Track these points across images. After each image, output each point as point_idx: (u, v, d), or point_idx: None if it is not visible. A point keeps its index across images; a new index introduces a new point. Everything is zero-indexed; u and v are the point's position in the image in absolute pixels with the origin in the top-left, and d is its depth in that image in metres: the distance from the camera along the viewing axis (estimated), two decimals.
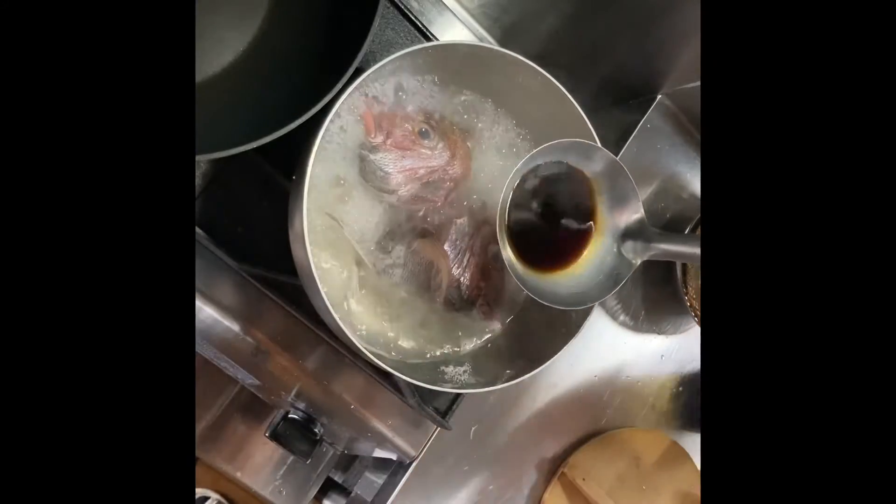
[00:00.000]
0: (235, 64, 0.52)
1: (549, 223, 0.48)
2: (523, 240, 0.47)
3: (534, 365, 0.49)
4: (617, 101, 0.75)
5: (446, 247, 0.53)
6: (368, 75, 0.46)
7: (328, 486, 1.00)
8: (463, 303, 0.54)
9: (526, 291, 0.46)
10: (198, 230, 0.52)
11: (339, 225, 0.50)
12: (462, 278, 0.54)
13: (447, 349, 0.55)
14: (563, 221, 0.48)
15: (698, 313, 0.68)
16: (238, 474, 0.98)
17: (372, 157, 0.50)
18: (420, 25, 0.61)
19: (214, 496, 1.06)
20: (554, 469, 0.67)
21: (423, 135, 0.51)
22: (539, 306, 0.56)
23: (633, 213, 0.46)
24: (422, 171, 0.51)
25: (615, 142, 0.71)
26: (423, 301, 0.53)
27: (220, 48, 0.51)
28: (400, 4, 0.60)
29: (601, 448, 0.69)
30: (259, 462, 0.98)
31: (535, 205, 0.48)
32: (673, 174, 0.74)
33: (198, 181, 0.53)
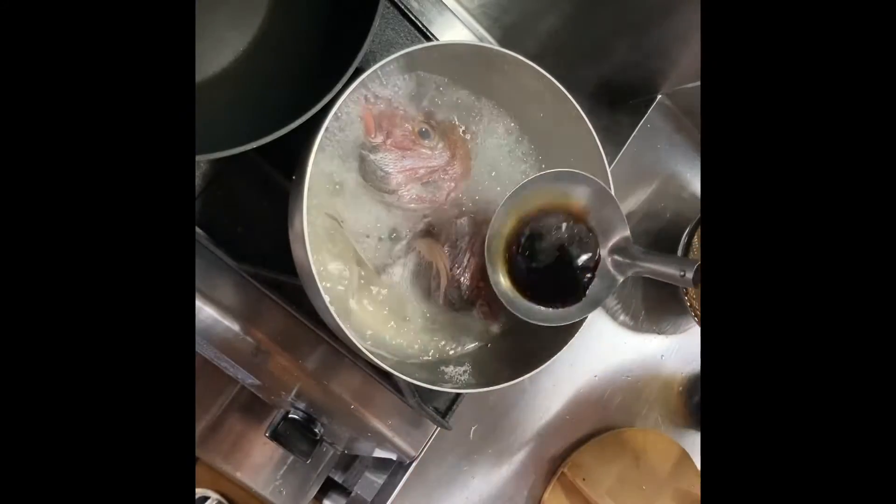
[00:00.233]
0: (235, 64, 0.52)
1: (555, 265, 0.50)
2: (521, 271, 0.49)
3: (534, 365, 0.49)
4: (617, 101, 0.75)
5: (446, 247, 0.53)
6: (368, 75, 0.46)
7: (328, 486, 1.00)
8: (463, 303, 0.54)
9: (518, 314, 0.48)
10: (198, 230, 0.52)
11: (339, 225, 0.50)
12: (462, 278, 0.54)
13: (447, 349, 0.55)
14: (569, 263, 0.50)
15: (698, 313, 0.68)
16: (238, 474, 0.98)
17: (372, 157, 0.50)
18: (420, 25, 0.61)
19: (214, 496, 1.06)
20: (554, 469, 0.67)
21: (423, 135, 0.51)
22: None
23: (620, 233, 0.48)
24: (422, 171, 0.51)
25: (615, 142, 0.71)
26: (423, 301, 0.53)
27: (220, 48, 0.51)
28: (400, 4, 0.60)
29: (601, 448, 0.69)
30: (259, 462, 0.98)
31: (538, 244, 0.50)
32: (673, 174, 0.74)
33: (198, 181, 0.53)
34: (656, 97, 0.72)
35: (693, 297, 0.68)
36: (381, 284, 0.52)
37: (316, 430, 0.64)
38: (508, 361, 0.52)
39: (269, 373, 0.58)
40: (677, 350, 0.74)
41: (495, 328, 0.56)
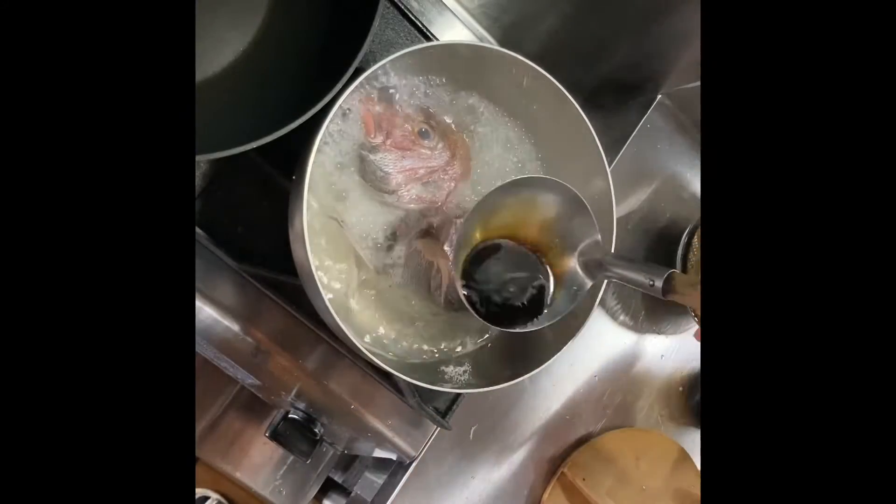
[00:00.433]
0: (235, 64, 0.52)
1: (504, 287, 0.50)
2: (475, 286, 0.49)
3: (534, 365, 0.49)
4: (617, 101, 0.75)
5: (446, 247, 0.53)
6: (368, 75, 0.46)
7: (328, 486, 1.00)
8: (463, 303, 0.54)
9: (492, 327, 0.48)
10: (198, 230, 0.52)
11: (339, 225, 0.50)
12: None
13: (447, 349, 0.55)
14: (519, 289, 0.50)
15: (698, 313, 0.68)
16: (238, 474, 0.98)
17: (372, 157, 0.50)
18: (420, 25, 0.61)
19: (214, 496, 1.06)
20: (554, 469, 0.67)
21: (423, 135, 0.51)
22: None
23: (590, 238, 0.47)
24: (422, 172, 0.51)
25: (615, 142, 0.71)
26: (423, 301, 0.53)
27: (220, 48, 0.51)
28: (400, 4, 0.60)
29: (601, 448, 0.69)
30: (259, 462, 0.98)
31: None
32: (673, 174, 0.74)
33: (198, 181, 0.53)
34: (656, 97, 0.72)
35: None
36: (381, 284, 0.52)
37: (316, 430, 0.64)
38: (508, 361, 0.52)
39: (269, 373, 0.58)
40: (677, 350, 0.74)
41: (495, 329, 0.56)
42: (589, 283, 0.47)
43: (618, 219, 0.53)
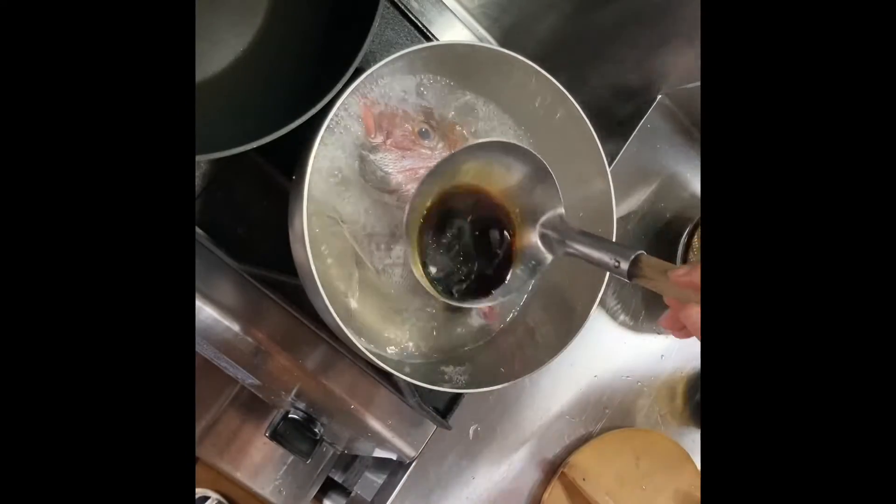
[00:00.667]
0: (235, 64, 0.52)
1: (467, 255, 0.48)
2: (433, 256, 0.47)
3: (534, 365, 0.49)
4: (617, 101, 0.75)
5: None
6: (368, 75, 0.46)
7: (328, 486, 1.00)
8: None
9: (442, 299, 0.45)
10: (198, 230, 0.52)
11: (339, 225, 0.50)
12: None
13: (447, 349, 0.55)
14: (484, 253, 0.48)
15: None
16: (238, 474, 0.98)
17: (372, 157, 0.50)
18: (420, 25, 0.61)
19: (214, 496, 1.06)
20: (554, 469, 0.67)
21: (423, 135, 0.51)
22: (539, 308, 0.56)
23: (553, 210, 0.44)
24: (422, 172, 0.51)
25: (615, 142, 0.71)
26: (423, 301, 0.53)
27: (220, 48, 0.51)
28: (400, 4, 0.60)
29: (601, 448, 0.69)
30: (259, 462, 0.98)
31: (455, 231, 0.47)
32: (673, 174, 0.74)
33: (198, 181, 0.53)
34: (656, 97, 0.72)
35: None
36: (382, 284, 0.52)
37: (316, 430, 0.64)
38: (509, 361, 0.52)
39: (269, 373, 0.58)
40: (677, 350, 0.74)
41: (495, 328, 0.56)
42: (549, 259, 0.45)
43: (618, 219, 0.53)
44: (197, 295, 0.51)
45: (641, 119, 0.72)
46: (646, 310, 0.72)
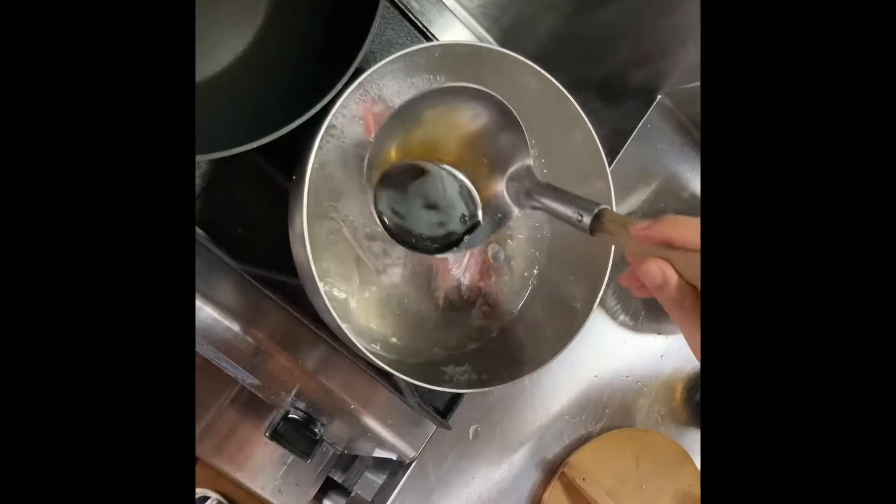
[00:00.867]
0: (235, 64, 0.52)
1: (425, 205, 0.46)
2: (390, 202, 0.45)
3: (533, 365, 0.49)
4: (617, 101, 0.75)
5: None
6: (368, 75, 0.46)
7: (328, 486, 1.00)
8: (463, 303, 0.54)
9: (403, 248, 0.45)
10: (198, 230, 0.52)
11: (339, 225, 0.50)
12: (462, 278, 0.54)
13: (447, 349, 0.55)
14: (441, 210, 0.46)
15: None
16: (238, 474, 0.98)
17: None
18: (420, 25, 0.61)
19: (214, 496, 1.06)
20: (554, 469, 0.67)
21: None
22: (539, 307, 0.56)
23: (521, 161, 0.43)
24: None
25: (615, 142, 0.71)
26: (423, 301, 0.53)
27: (220, 48, 0.51)
28: (400, 4, 0.60)
29: (601, 448, 0.69)
30: (259, 462, 0.99)
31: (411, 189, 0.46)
32: (673, 174, 0.74)
33: (198, 181, 0.53)
34: (656, 97, 0.72)
35: None
36: (381, 284, 0.52)
37: (316, 430, 0.64)
38: (508, 361, 0.52)
39: (269, 373, 0.58)
40: (677, 350, 0.74)
41: (495, 328, 0.56)
42: (515, 212, 0.44)
43: None
44: (197, 295, 0.51)
45: (641, 119, 0.72)
46: (646, 310, 0.72)
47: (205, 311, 0.52)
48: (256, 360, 0.57)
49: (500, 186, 0.44)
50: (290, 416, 0.64)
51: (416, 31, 0.61)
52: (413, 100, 0.41)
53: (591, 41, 0.69)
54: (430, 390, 0.54)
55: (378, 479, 0.69)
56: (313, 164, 0.42)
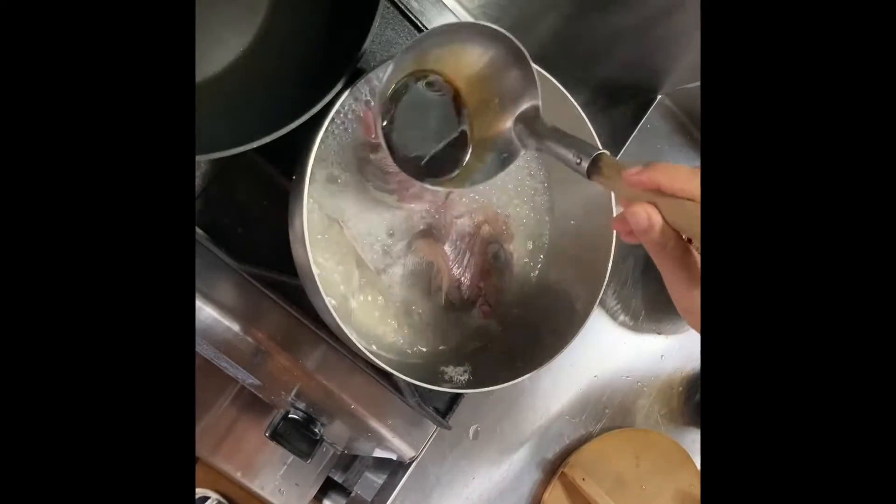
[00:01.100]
0: (235, 64, 0.52)
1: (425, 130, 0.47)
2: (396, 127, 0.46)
3: (533, 365, 0.49)
4: (617, 101, 0.75)
5: (446, 247, 0.53)
6: (369, 76, 0.46)
7: (328, 486, 1.00)
8: (463, 303, 0.54)
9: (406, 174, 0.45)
10: (198, 230, 0.52)
11: (339, 225, 0.50)
12: (462, 278, 0.54)
13: (447, 349, 0.55)
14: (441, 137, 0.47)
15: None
16: (238, 474, 0.98)
17: (372, 156, 0.50)
18: (420, 25, 0.61)
19: (214, 496, 1.06)
20: (554, 469, 0.67)
21: None
22: (539, 307, 0.56)
23: (530, 101, 0.44)
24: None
25: (615, 142, 0.71)
26: (423, 301, 0.53)
27: (220, 48, 0.51)
28: (400, 4, 0.60)
29: (601, 448, 0.69)
30: (259, 462, 0.99)
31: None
32: None
33: (198, 181, 0.53)
34: (656, 97, 0.72)
35: None
36: (382, 284, 0.52)
37: (316, 430, 0.64)
38: (508, 361, 0.52)
39: (269, 373, 0.58)
40: (677, 350, 0.74)
41: (495, 328, 0.56)
42: (521, 152, 0.45)
43: None
44: (197, 295, 0.51)
45: (641, 119, 0.72)
46: (646, 310, 0.72)
47: (205, 311, 0.52)
48: (256, 360, 0.57)
49: (509, 126, 0.45)
50: (290, 416, 0.64)
51: (416, 31, 0.61)
52: (423, 37, 0.42)
53: (591, 41, 0.69)
54: (430, 390, 0.54)
55: (378, 479, 0.69)
56: (313, 164, 0.43)
